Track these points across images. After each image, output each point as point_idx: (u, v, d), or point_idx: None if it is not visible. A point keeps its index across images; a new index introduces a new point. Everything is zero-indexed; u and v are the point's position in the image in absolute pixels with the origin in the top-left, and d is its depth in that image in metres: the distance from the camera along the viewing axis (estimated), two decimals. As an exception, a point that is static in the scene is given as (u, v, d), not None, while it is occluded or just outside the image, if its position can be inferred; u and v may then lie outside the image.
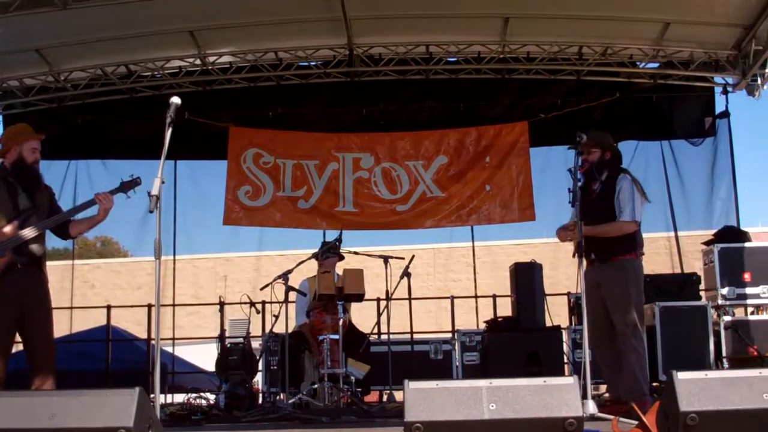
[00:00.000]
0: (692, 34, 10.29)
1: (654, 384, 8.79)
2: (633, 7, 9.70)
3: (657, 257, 10.93)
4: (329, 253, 8.94)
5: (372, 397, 9.49)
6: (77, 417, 4.05)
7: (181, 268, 12.22)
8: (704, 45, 10.50)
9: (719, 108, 11.24)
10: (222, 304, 10.05)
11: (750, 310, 9.56)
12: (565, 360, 9.47)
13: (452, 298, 11.47)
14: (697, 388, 4.08)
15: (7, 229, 6.03)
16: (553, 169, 11.27)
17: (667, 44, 10.42)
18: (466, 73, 11.01)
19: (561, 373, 8.99)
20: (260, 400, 9.17)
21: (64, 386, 4.38)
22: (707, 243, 9.68)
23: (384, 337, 9.38)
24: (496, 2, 9.80)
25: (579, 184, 6.65)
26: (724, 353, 9.05)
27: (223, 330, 9.58)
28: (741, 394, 4.06)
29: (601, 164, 7.00)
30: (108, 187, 6.47)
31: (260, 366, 9.33)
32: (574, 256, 6.60)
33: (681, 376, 4.14)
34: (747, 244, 9.45)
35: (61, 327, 11.95)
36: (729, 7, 9.59)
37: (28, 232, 6.10)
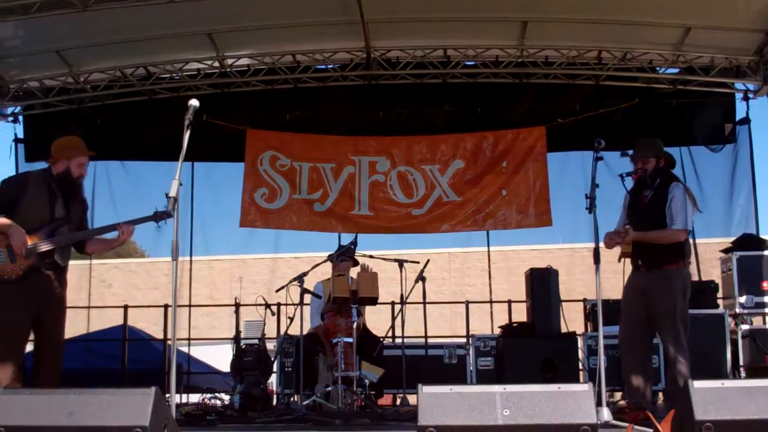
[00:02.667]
0: (713, 40, 10.20)
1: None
2: (653, 11, 9.63)
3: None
4: (344, 256, 8.95)
5: (385, 400, 9.48)
6: (94, 415, 4.09)
7: (197, 269, 12.26)
8: (725, 50, 10.42)
9: (740, 114, 11.19)
10: (237, 306, 10.08)
11: (768, 318, 9.52)
12: (580, 367, 9.43)
13: (467, 302, 11.44)
14: (713, 397, 4.07)
15: (30, 236, 6.11)
16: (570, 175, 11.26)
17: (688, 49, 10.34)
18: (484, 77, 10.98)
19: (576, 380, 8.97)
20: (274, 402, 9.18)
21: (81, 385, 4.40)
22: (725, 251, 9.63)
23: (398, 340, 9.37)
24: (515, 6, 9.76)
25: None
26: (741, 362, 9.00)
27: (238, 331, 9.61)
28: (758, 404, 4.05)
29: (655, 172, 7.00)
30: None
31: (275, 367, 9.34)
32: (620, 260, 6.62)
33: (697, 384, 4.13)
34: (766, 252, 9.38)
35: (78, 326, 12.07)
36: (751, 13, 9.51)
37: (54, 242, 6.19)
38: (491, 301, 12.32)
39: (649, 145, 7.06)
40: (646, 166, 7.00)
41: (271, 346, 9.49)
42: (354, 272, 8.86)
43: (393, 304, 10.25)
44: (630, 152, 7.07)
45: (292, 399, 8.91)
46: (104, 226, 6.64)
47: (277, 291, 8.75)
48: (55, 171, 6.44)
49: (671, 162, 7.26)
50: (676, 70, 10.90)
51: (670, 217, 6.83)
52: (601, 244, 6.83)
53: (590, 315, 9.87)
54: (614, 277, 7.35)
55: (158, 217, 6.47)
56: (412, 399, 8.33)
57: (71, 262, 6.58)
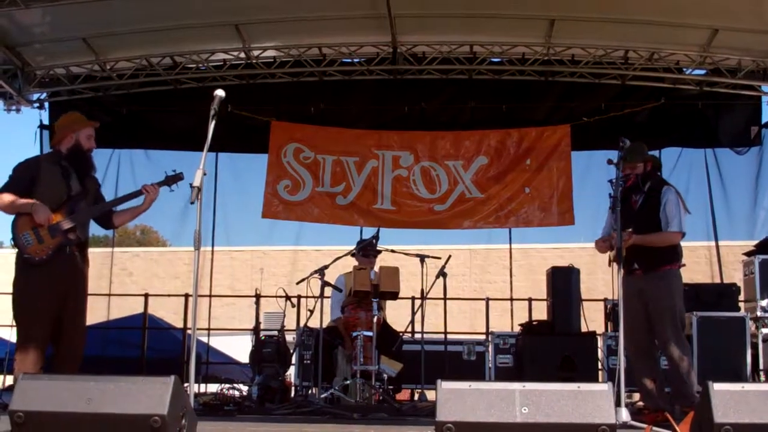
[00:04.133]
0: (741, 42, 10.14)
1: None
2: (681, 12, 9.58)
3: (697, 266, 10.84)
4: (368, 250, 8.95)
5: (403, 395, 9.49)
6: (113, 403, 4.11)
7: (218, 260, 12.30)
8: (752, 53, 10.35)
9: (765, 117, 11.15)
10: (258, 297, 10.11)
11: (789, 323, 9.44)
12: (600, 366, 9.41)
13: (487, 299, 11.44)
14: (733, 400, 4.04)
15: (54, 214, 6.18)
16: (594, 174, 11.20)
17: (715, 51, 10.28)
18: (510, 74, 10.95)
19: (595, 380, 8.96)
20: (292, 394, 9.21)
21: (101, 372, 4.43)
22: (748, 254, 9.56)
23: (418, 336, 9.38)
24: (542, 4, 9.74)
25: (619, 190, 6.66)
26: (761, 366, 8.94)
27: (258, 322, 9.64)
28: (778, 408, 4.02)
29: (644, 176, 7.02)
30: (150, 177, 6.63)
31: (293, 360, 9.37)
32: (610, 265, 6.60)
33: (717, 387, 4.10)
34: (789, 256, 9.32)
35: (98, 314, 12.12)
36: (780, 16, 9.45)
37: (75, 218, 6.24)
38: (512, 299, 12.29)
39: (637, 150, 7.02)
40: (636, 171, 7.04)
41: (290, 338, 9.51)
42: (376, 266, 8.87)
43: (413, 299, 10.24)
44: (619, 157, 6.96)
45: (310, 391, 8.94)
46: (127, 194, 6.63)
47: (298, 283, 8.78)
48: (64, 148, 6.47)
49: (657, 165, 7.31)
50: (703, 72, 10.84)
51: (665, 221, 6.91)
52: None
53: (610, 315, 9.84)
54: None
55: (169, 181, 6.51)
56: (430, 395, 8.34)
57: (92, 250, 6.62)
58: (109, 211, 6.65)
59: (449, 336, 9.67)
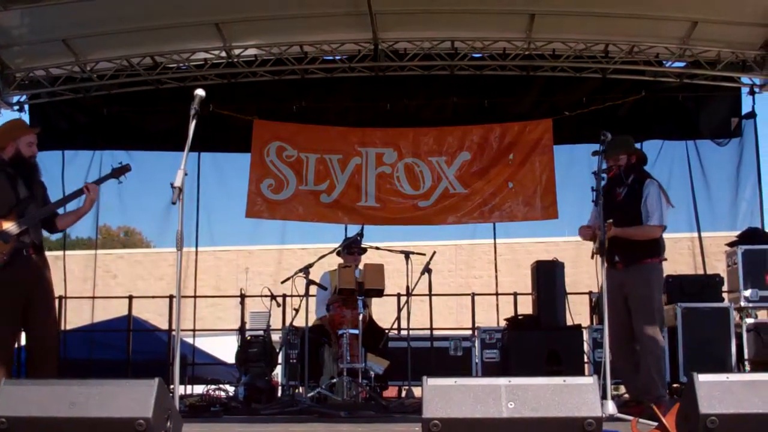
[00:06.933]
0: (720, 34, 10.18)
1: (675, 385, 8.76)
2: (660, 5, 9.62)
3: (680, 258, 10.85)
4: (352, 247, 8.95)
5: (390, 392, 9.50)
6: (97, 407, 4.08)
7: (203, 260, 12.22)
8: (732, 45, 10.39)
9: (745, 108, 11.14)
10: (243, 297, 10.08)
11: (773, 312, 9.50)
12: (586, 359, 9.44)
13: (473, 295, 11.45)
14: (718, 391, 4.05)
15: (4, 220, 6.14)
16: (576, 168, 11.22)
17: (695, 43, 10.32)
18: (491, 69, 10.94)
19: (581, 373, 8.96)
20: (279, 393, 9.20)
21: (85, 375, 4.40)
22: (731, 244, 9.60)
23: (404, 332, 9.38)
24: (522, -2, 9.76)
25: (602, 185, 6.68)
26: (746, 356, 8.99)
27: (243, 322, 9.61)
28: (762, 398, 4.03)
29: (627, 168, 7.03)
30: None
31: (280, 359, 9.35)
32: (593, 257, 6.61)
33: (702, 378, 4.11)
34: (771, 246, 9.36)
35: (83, 316, 12.09)
36: (759, 7, 9.48)
37: (25, 221, 6.22)
38: (497, 294, 12.30)
39: (619, 143, 7.04)
40: (618, 163, 7.06)
41: (276, 337, 9.50)
42: (361, 264, 8.87)
43: (399, 295, 10.26)
44: (600, 150, 6.95)
45: (296, 391, 8.92)
46: (69, 194, 6.65)
47: (283, 282, 8.76)
48: (6, 156, 6.42)
49: (642, 158, 7.30)
50: (683, 64, 10.87)
51: (646, 214, 6.91)
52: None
53: (595, 308, 9.87)
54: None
55: (117, 173, 6.52)
56: (417, 391, 8.34)
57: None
58: (53, 214, 6.61)
59: (435, 332, 9.68)
